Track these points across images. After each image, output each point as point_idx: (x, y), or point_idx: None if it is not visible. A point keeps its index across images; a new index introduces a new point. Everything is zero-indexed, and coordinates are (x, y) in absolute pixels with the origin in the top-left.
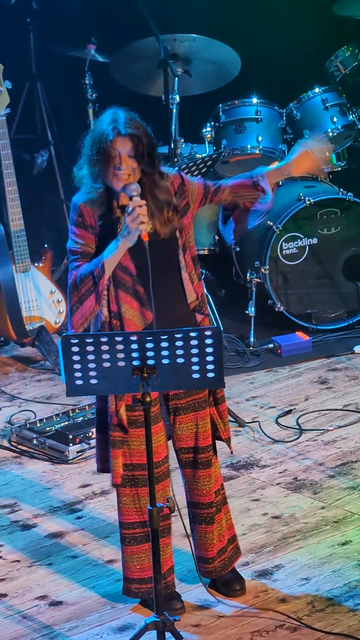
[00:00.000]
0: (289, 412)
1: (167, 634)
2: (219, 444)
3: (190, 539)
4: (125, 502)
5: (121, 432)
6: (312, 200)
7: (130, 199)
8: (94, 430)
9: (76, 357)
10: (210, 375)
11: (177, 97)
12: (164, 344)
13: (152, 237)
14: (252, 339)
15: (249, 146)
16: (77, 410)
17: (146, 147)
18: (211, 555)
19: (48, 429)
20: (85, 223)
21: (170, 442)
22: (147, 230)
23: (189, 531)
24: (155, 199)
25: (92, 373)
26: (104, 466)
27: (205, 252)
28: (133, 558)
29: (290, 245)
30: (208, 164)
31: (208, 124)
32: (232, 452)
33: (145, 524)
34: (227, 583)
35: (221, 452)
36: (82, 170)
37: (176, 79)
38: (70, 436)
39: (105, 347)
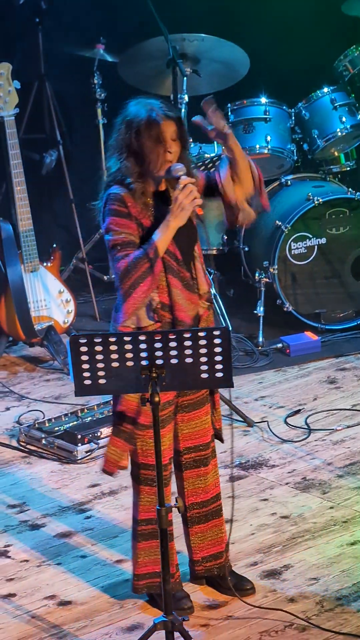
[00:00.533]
0: (298, 412)
1: (176, 634)
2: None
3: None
4: (144, 499)
5: (132, 426)
6: (320, 200)
7: (178, 178)
8: (102, 430)
9: (85, 357)
10: (219, 375)
11: (186, 97)
12: (173, 344)
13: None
14: (260, 339)
15: (257, 146)
16: (85, 410)
17: (184, 129)
18: (216, 551)
19: (57, 428)
20: (129, 212)
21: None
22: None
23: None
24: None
25: (101, 373)
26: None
27: (214, 252)
28: (146, 553)
29: (299, 245)
30: (217, 163)
31: None
32: (222, 442)
33: None
34: (236, 585)
35: (229, 452)
36: (111, 162)
37: (185, 78)
38: (79, 436)
39: (113, 347)
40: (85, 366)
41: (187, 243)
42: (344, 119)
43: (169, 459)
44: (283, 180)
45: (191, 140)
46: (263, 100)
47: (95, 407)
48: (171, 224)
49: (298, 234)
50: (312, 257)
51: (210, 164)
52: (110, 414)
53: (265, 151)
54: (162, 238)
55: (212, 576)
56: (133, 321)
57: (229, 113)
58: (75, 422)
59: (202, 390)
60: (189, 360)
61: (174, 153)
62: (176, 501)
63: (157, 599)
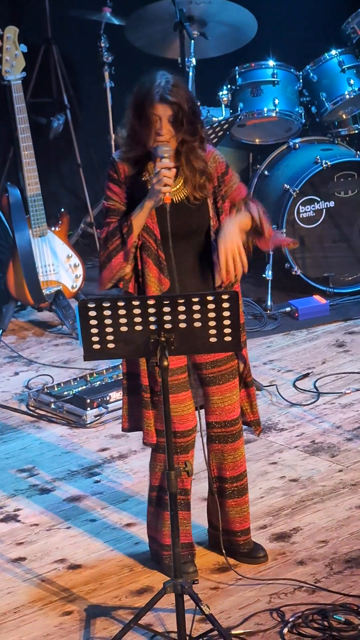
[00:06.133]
0: (307, 375)
1: (185, 597)
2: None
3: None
4: (160, 467)
5: (150, 394)
6: (329, 163)
7: (160, 160)
8: (111, 394)
9: (93, 322)
10: (228, 339)
11: (194, 60)
12: (181, 308)
13: (185, 203)
14: (269, 303)
15: (265, 109)
16: (94, 375)
17: (187, 114)
18: (246, 527)
19: (66, 393)
20: (120, 179)
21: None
22: (169, 194)
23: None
24: (190, 165)
25: (110, 337)
26: (132, 425)
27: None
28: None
29: (307, 208)
30: (225, 127)
31: (224, 87)
32: (258, 435)
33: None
34: (249, 553)
35: None
36: (124, 129)
37: (192, 41)
38: (88, 400)
39: (122, 312)
40: (94, 331)
41: (178, 225)
42: (352, 82)
43: (193, 427)
44: (291, 143)
45: (199, 103)
46: (271, 63)
47: (104, 371)
48: (145, 203)
49: (306, 198)
50: (320, 221)
51: (218, 128)
52: (120, 378)
53: (273, 114)
54: (137, 215)
55: (236, 550)
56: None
57: (237, 76)
58: (84, 387)
59: (225, 364)
60: (197, 324)
61: (166, 135)
62: (185, 465)
63: (164, 565)
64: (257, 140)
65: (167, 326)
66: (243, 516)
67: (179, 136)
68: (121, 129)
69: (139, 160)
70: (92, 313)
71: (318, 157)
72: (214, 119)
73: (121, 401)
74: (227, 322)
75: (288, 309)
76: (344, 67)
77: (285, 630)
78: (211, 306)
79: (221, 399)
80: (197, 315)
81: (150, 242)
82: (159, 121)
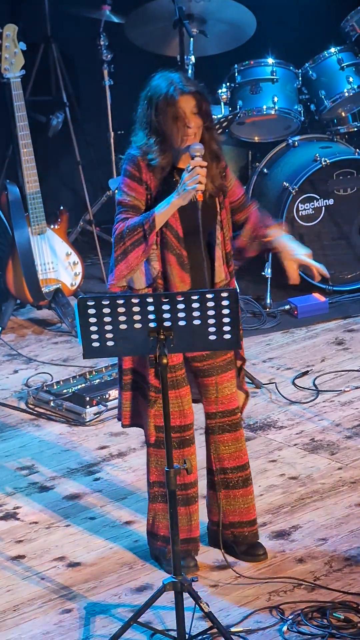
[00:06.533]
0: (306, 373)
1: (185, 595)
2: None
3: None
4: (157, 462)
5: (154, 392)
6: (328, 161)
7: (192, 158)
8: (111, 392)
9: (93, 320)
10: (227, 336)
11: (193, 58)
12: (181, 306)
13: (201, 204)
14: (268, 301)
15: (264, 107)
16: (94, 373)
17: (205, 99)
18: (253, 517)
19: (65, 391)
20: (141, 177)
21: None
22: (202, 191)
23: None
24: (210, 150)
25: (109, 335)
26: (134, 421)
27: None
28: (162, 515)
29: (307, 206)
30: (224, 125)
31: (224, 85)
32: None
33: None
34: (248, 551)
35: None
36: (138, 137)
37: (191, 39)
38: (87, 398)
39: (121, 310)
40: (93, 328)
41: (197, 224)
42: (351, 79)
43: (193, 421)
44: (290, 141)
45: None
46: (270, 60)
47: (104, 369)
48: (173, 200)
49: (305, 195)
50: (319, 218)
51: (218, 125)
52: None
53: (273, 112)
54: (162, 212)
55: (237, 542)
56: (126, 281)
57: (236, 74)
58: (83, 385)
59: (220, 356)
60: (196, 322)
61: (194, 127)
62: (184, 462)
63: (163, 561)
64: (256, 138)
65: (167, 324)
66: (249, 506)
67: (204, 125)
68: (144, 137)
69: (164, 167)
70: (91, 311)
71: (317, 154)
72: (214, 116)
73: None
74: (226, 319)
75: (287, 306)
76: (343, 64)
77: (285, 627)
78: (210, 304)
79: (221, 389)
80: (196, 313)
81: (171, 239)
82: (185, 115)
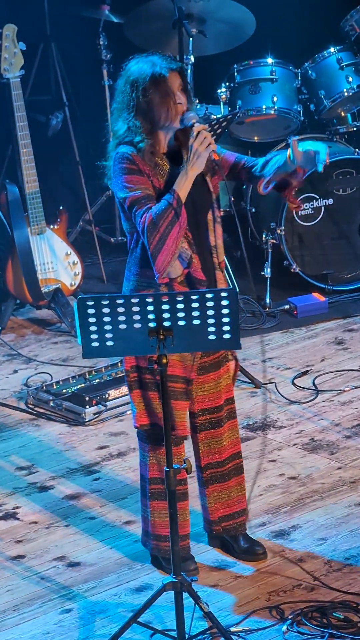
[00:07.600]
0: (305, 373)
1: (185, 595)
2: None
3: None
4: (153, 458)
5: (182, 384)
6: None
7: (191, 127)
8: (110, 392)
9: (92, 319)
10: (227, 336)
11: (192, 58)
12: (180, 306)
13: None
14: (268, 300)
15: (264, 106)
16: (93, 372)
17: (186, 76)
18: (244, 506)
19: (64, 391)
20: (139, 169)
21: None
22: (213, 151)
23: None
24: None
25: (109, 335)
26: (152, 420)
27: (221, 213)
28: (159, 514)
29: (306, 206)
30: (223, 124)
31: (223, 85)
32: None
33: None
34: (248, 549)
35: (238, 413)
36: (118, 126)
37: (191, 39)
38: (87, 398)
39: (121, 309)
40: (93, 328)
41: (197, 204)
42: (350, 79)
43: (187, 435)
44: (290, 140)
45: (197, 101)
46: (269, 60)
47: (103, 369)
48: (189, 172)
49: (305, 195)
50: (319, 218)
51: (217, 125)
52: (119, 375)
53: (272, 112)
54: (183, 186)
55: (229, 536)
56: (167, 273)
57: (235, 74)
58: (83, 384)
59: (209, 355)
60: (196, 322)
61: (183, 103)
62: (184, 462)
63: (163, 561)
64: (255, 138)
65: (166, 323)
66: (243, 494)
67: (189, 101)
68: (124, 124)
69: (153, 150)
70: (91, 310)
71: None
72: (213, 116)
73: (121, 399)
74: (225, 319)
75: (287, 306)
76: (342, 64)
77: (285, 627)
78: (210, 303)
79: (207, 388)
80: (196, 313)
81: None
82: (175, 91)
